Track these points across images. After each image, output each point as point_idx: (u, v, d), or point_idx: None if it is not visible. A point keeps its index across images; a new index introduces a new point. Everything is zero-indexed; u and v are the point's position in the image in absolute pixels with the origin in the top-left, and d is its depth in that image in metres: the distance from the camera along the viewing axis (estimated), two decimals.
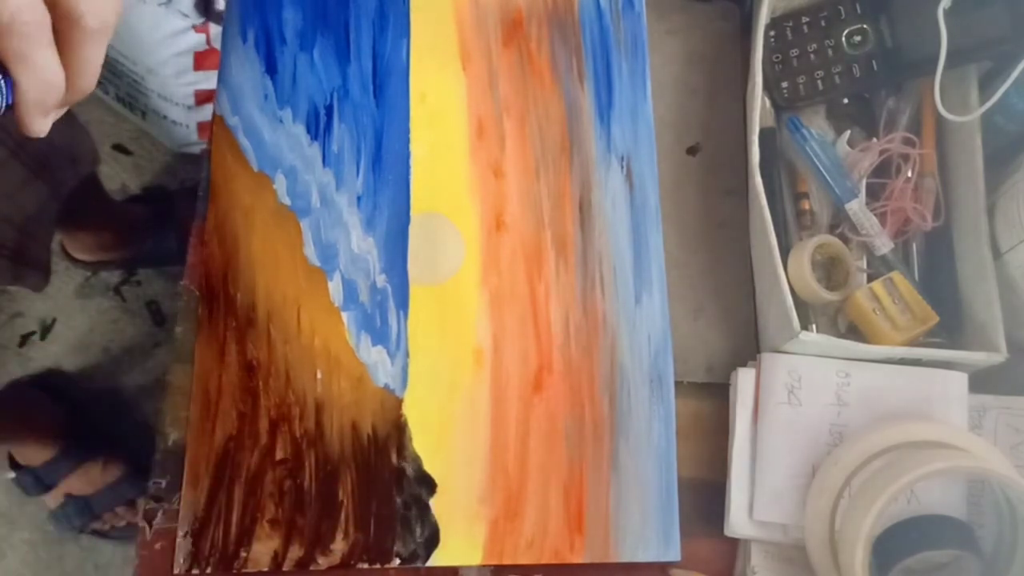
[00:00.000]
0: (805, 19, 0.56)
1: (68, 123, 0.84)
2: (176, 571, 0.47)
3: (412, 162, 0.55)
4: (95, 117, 1.19)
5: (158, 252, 1.15)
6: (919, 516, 0.48)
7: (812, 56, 0.56)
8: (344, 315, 0.52)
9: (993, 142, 0.54)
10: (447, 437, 0.50)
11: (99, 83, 1.10)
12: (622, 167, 0.57)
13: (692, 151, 0.60)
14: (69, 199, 0.86)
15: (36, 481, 1.03)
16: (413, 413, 0.50)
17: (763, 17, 0.56)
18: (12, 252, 0.79)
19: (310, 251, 0.52)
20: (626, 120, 0.58)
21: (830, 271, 0.54)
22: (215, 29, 0.93)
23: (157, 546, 0.48)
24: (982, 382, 0.51)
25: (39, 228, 0.83)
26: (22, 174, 0.75)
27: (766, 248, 0.51)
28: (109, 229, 1.12)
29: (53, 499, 1.04)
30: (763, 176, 0.53)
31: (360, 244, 0.53)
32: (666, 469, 0.51)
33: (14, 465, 1.03)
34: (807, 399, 0.50)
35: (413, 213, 0.54)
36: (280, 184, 0.53)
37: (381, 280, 0.52)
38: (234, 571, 0.47)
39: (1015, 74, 0.50)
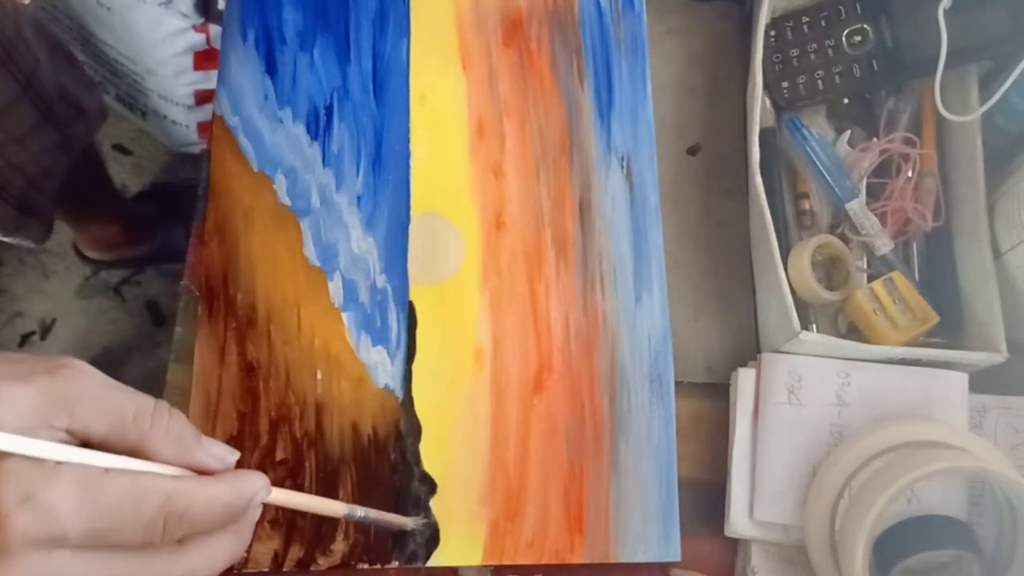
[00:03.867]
0: (805, 19, 0.56)
1: (73, 70, 0.84)
2: None
3: (412, 162, 0.55)
4: None
5: (168, 246, 1.15)
6: (919, 516, 0.48)
7: (812, 56, 0.56)
8: (344, 315, 0.51)
9: (993, 142, 0.54)
10: (447, 437, 0.50)
11: (99, 83, 1.09)
12: (622, 167, 0.57)
13: (692, 151, 0.60)
14: (77, 170, 0.86)
15: None
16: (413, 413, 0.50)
17: (763, 17, 0.56)
18: (19, 202, 0.80)
19: (310, 251, 0.52)
20: (626, 120, 0.58)
21: (830, 271, 0.54)
22: (215, 29, 0.93)
23: None
24: (982, 382, 0.51)
25: (47, 181, 0.84)
26: (33, 116, 0.75)
27: (766, 248, 0.51)
28: (118, 223, 1.12)
29: None
30: (763, 176, 0.53)
31: (360, 244, 0.53)
32: (666, 469, 0.51)
33: None
34: (807, 399, 0.50)
35: (413, 213, 0.54)
36: (280, 184, 0.53)
37: (381, 280, 0.52)
38: (234, 571, 0.47)
39: (1015, 74, 0.50)
